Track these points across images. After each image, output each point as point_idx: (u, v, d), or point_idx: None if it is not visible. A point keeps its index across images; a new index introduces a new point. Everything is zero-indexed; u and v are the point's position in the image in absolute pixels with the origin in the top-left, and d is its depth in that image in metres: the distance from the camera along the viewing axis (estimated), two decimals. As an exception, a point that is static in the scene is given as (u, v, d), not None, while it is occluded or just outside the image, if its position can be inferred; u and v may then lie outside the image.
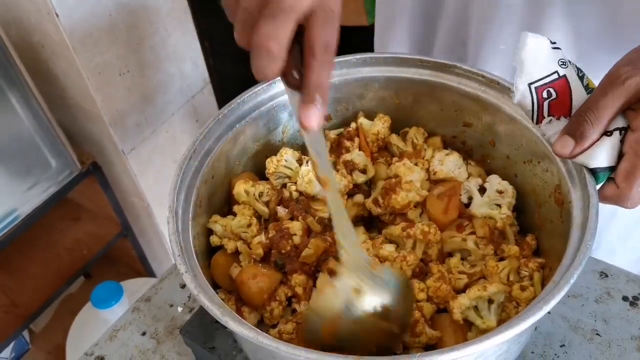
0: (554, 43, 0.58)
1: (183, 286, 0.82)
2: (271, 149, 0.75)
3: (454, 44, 0.86)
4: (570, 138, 0.55)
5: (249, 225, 0.68)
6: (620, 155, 0.54)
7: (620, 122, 0.54)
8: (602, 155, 0.54)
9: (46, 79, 1.25)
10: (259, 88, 0.71)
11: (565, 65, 0.58)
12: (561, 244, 0.55)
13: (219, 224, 0.68)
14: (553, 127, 0.58)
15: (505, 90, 0.67)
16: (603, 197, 0.55)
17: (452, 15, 0.83)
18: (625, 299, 0.73)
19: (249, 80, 0.72)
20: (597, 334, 0.70)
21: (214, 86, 1.51)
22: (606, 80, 0.53)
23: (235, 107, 0.69)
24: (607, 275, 0.76)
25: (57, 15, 1.08)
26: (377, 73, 0.74)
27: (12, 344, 1.54)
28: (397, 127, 0.77)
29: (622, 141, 0.54)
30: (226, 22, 0.50)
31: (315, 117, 0.47)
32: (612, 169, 0.54)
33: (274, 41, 0.43)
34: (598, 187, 0.55)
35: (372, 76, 0.74)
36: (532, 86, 0.57)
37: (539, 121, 0.59)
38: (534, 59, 0.57)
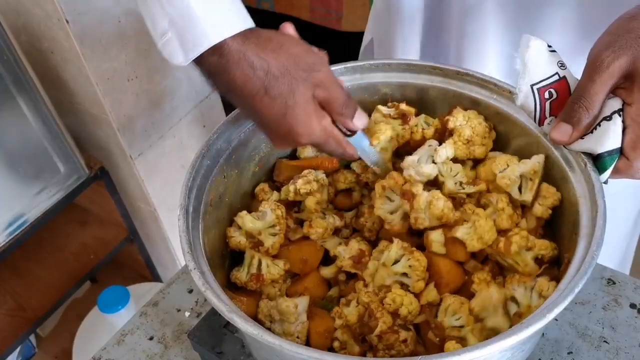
0: (550, 46, 0.60)
1: (190, 291, 0.82)
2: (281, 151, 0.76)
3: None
4: (568, 125, 0.56)
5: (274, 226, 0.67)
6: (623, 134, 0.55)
7: (616, 105, 0.55)
8: (608, 140, 0.55)
9: (55, 85, 1.26)
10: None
11: (563, 67, 0.59)
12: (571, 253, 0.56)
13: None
14: None
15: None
16: (615, 172, 0.55)
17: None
18: (633, 306, 0.73)
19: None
20: (604, 341, 0.70)
21: (221, 92, 1.52)
22: (590, 67, 0.55)
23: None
24: (614, 283, 0.75)
25: (67, 22, 1.09)
26: (389, 79, 0.74)
27: (18, 348, 1.54)
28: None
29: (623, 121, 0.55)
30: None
31: None
32: (618, 150, 0.55)
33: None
34: (608, 172, 0.56)
35: (383, 82, 0.74)
36: (535, 87, 0.59)
37: (541, 122, 0.60)
38: (536, 61, 0.59)
